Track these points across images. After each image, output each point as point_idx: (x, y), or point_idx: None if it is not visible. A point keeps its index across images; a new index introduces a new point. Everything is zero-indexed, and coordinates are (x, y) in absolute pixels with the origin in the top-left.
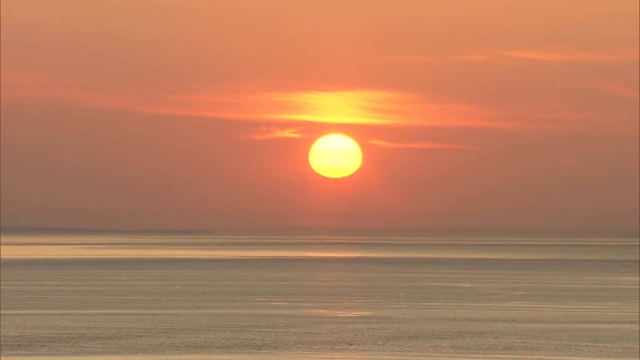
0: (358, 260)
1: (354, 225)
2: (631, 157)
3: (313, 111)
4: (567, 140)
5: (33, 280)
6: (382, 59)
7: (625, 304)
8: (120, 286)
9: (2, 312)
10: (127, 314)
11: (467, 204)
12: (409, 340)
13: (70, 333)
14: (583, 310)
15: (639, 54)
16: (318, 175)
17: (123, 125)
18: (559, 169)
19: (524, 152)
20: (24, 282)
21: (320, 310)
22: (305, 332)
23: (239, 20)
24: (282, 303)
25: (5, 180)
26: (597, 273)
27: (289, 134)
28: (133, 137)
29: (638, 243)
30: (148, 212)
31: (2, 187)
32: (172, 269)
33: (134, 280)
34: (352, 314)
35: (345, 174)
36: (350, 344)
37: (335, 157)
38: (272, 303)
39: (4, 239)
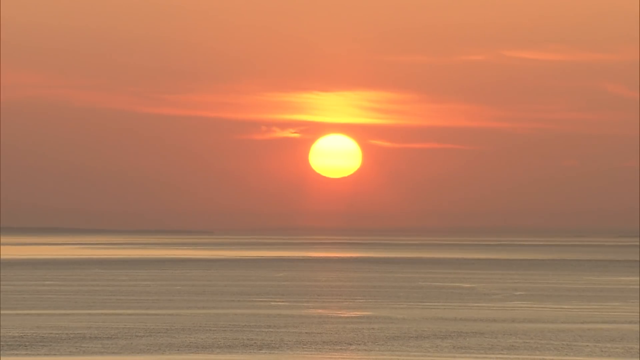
0: (358, 260)
1: (354, 225)
2: (631, 157)
3: (313, 111)
4: (567, 140)
5: (33, 280)
6: (382, 59)
7: (625, 304)
8: (120, 286)
9: (2, 312)
10: (127, 314)
11: (467, 204)
12: (409, 340)
13: (70, 333)
14: (583, 310)
15: (639, 54)
16: (318, 175)
17: (123, 125)
18: (559, 169)
19: (524, 152)
20: (24, 282)
21: (320, 310)
22: (305, 332)
23: (239, 20)
24: (282, 303)
25: (5, 180)
26: (597, 273)
27: (289, 134)
28: (133, 137)
29: (638, 243)
30: (148, 212)
31: (2, 187)
32: (172, 269)
33: (134, 280)
34: (352, 314)
35: (345, 174)
36: (350, 344)
37: (335, 157)
38: (272, 303)
39: (4, 239)
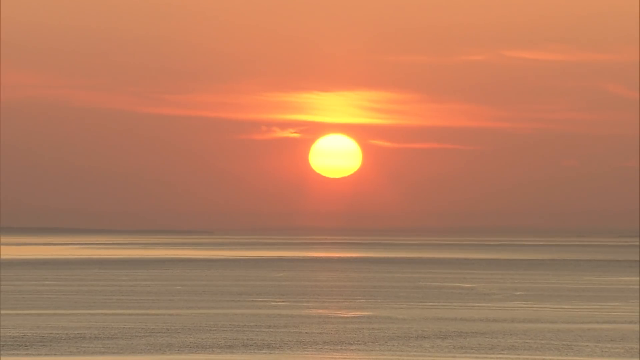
0: (358, 260)
1: (354, 225)
2: (631, 157)
3: (313, 111)
4: (567, 140)
5: (33, 280)
6: (382, 59)
7: (625, 304)
8: (120, 286)
9: (2, 312)
10: (127, 314)
11: (467, 204)
12: (409, 340)
13: (70, 333)
14: (583, 310)
15: (639, 54)
16: (318, 175)
17: (123, 125)
18: (559, 169)
19: (524, 152)
20: (24, 282)
21: (320, 310)
22: (305, 332)
23: (239, 20)
24: (282, 303)
25: (5, 180)
26: (597, 273)
27: (289, 134)
28: (133, 137)
29: (638, 243)
30: (148, 212)
31: (2, 187)
32: (172, 269)
33: (134, 280)
34: (352, 314)
35: (346, 174)
36: (351, 344)
37: (335, 157)
38: (272, 303)
39: (4, 239)
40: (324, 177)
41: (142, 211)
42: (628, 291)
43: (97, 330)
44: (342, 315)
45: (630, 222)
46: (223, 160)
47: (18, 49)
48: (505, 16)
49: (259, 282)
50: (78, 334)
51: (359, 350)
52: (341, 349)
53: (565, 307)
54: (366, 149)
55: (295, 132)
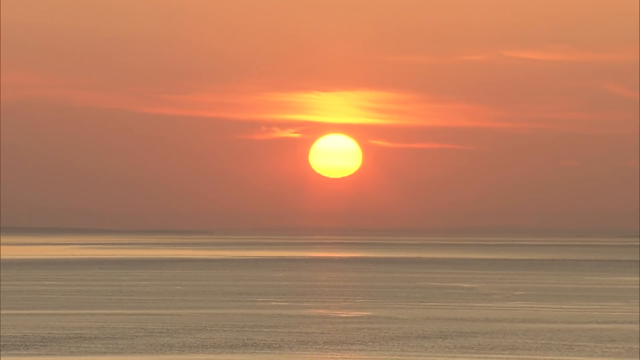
0: (358, 260)
1: (354, 225)
2: (631, 157)
3: (313, 111)
4: (567, 140)
5: (33, 280)
6: (382, 59)
7: (625, 304)
8: (120, 286)
9: (2, 312)
10: (127, 314)
11: (467, 204)
12: (409, 340)
13: (70, 333)
14: (583, 310)
15: (639, 54)
16: (318, 175)
17: (123, 125)
18: (559, 169)
19: (524, 152)
20: (24, 282)
21: (320, 310)
22: (305, 332)
23: (239, 20)
24: (282, 303)
25: (5, 180)
26: (597, 273)
27: (289, 134)
28: (133, 137)
29: (638, 243)
30: (148, 212)
31: (2, 187)
32: (172, 269)
33: (134, 280)
34: (352, 314)
35: (346, 174)
36: (351, 344)
37: (335, 157)
38: (272, 303)
39: (4, 239)
40: (324, 177)
41: (142, 211)
42: (628, 291)
43: (97, 330)
44: (342, 315)
45: (630, 222)
46: (223, 160)
47: (18, 49)
48: (505, 16)
49: (259, 282)
50: (78, 334)
51: (359, 350)
52: (341, 349)
53: (565, 307)
54: (366, 149)
55: (295, 132)
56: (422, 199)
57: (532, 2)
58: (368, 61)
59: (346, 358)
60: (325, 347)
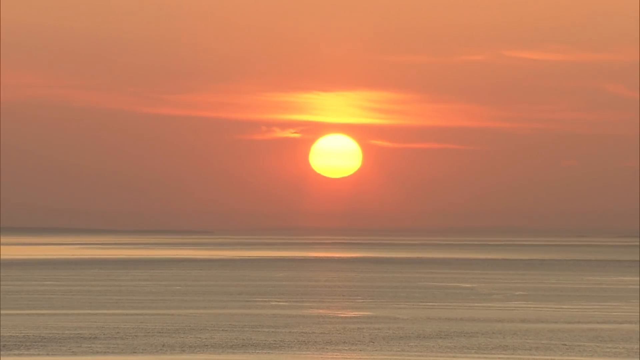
0: (358, 260)
1: (354, 225)
2: (631, 157)
3: (313, 111)
4: (567, 140)
5: (33, 280)
6: (382, 59)
7: (625, 304)
8: (120, 286)
9: (2, 312)
10: (127, 314)
11: (467, 204)
12: (409, 340)
13: (70, 333)
14: (583, 310)
15: (639, 54)
16: (318, 175)
17: (123, 125)
18: (559, 169)
19: (524, 152)
20: (24, 282)
21: (320, 310)
22: (305, 332)
23: (239, 20)
24: (282, 303)
25: (5, 180)
26: (597, 273)
27: (289, 134)
28: (133, 137)
29: (638, 243)
30: (148, 212)
31: (2, 187)
32: (172, 269)
33: (134, 280)
34: (352, 314)
35: (346, 174)
36: (351, 344)
37: (335, 157)
38: (272, 303)
39: (4, 239)
40: (324, 177)
41: (142, 211)
42: (628, 291)
43: (97, 330)
44: (342, 315)
45: (630, 222)
46: (223, 160)
47: (18, 49)
48: (505, 16)
49: (259, 282)
50: (78, 334)
51: (359, 350)
52: (341, 349)
53: (566, 307)
54: (366, 149)
55: (295, 132)
56: (422, 199)
57: (532, 2)
58: (368, 61)
59: (346, 358)
60: (325, 347)
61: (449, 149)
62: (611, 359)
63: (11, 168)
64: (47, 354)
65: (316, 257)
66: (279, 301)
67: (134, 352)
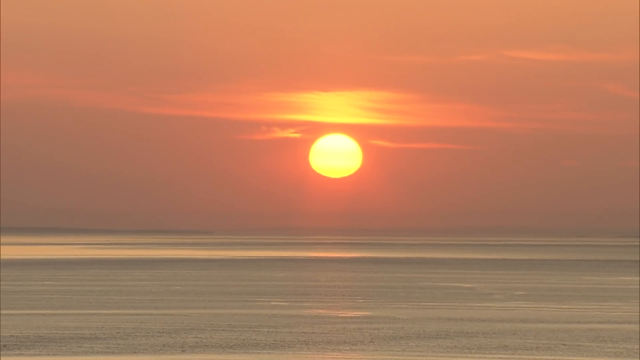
0: (358, 260)
1: (354, 225)
2: (631, 157)
3: (313, 111)
4: (567, 140)
5: (33, 280)
6: (382, 59)
7: (625, 304)
8: (120, 286)
9: (2, 312)
10: (127, 314)
11: (467, 204)
12: (409, 340)
13: (70, 333)
14: (583, 310)
15: (639, 54)
16: (318, 175)
17: (123, 125)
18: (559, 169)
19: (524, 152)
20: (24, 282)
21: (320, 310)
22: (305, 332)
23: (239, 20)
24: (282, 303)
25: (5, 180)
26: (597, 273)
27: (289, 134)
28: (133, 137)
29: (638, 243)
30: (148, 212)
31: (2, 187)
32: (172, 269)
33: (134, 280)
34: (352, 314)
35: (346, 174)
36: (351, 344)
37: (335, 157)
38: (272, 303)
39: (4, 239)
40: (324, 177)
41: (142, 211)
42: (628, 291)
43: (97, 330)
44: (342, 315)
45: (630, 222)
46: (223, 160)
47: (18, 49)
48: (505, 16)
49: (259, 282)
50: (78, 334)
51: (359, 350)
52: (341, 349)
53: (566, 307)
54: (366, 149)
55: (295, 132)
56: (422, 199)
57: (532, 2)
58: (368, 61)
59: (346, 358)
60: (326, 347)
61: (449, 149)
62: (611, 359)
63: (11, 168)
64: (47, 354)
65: (316, 257)
66: (279, 301)
67: (134, 352)
